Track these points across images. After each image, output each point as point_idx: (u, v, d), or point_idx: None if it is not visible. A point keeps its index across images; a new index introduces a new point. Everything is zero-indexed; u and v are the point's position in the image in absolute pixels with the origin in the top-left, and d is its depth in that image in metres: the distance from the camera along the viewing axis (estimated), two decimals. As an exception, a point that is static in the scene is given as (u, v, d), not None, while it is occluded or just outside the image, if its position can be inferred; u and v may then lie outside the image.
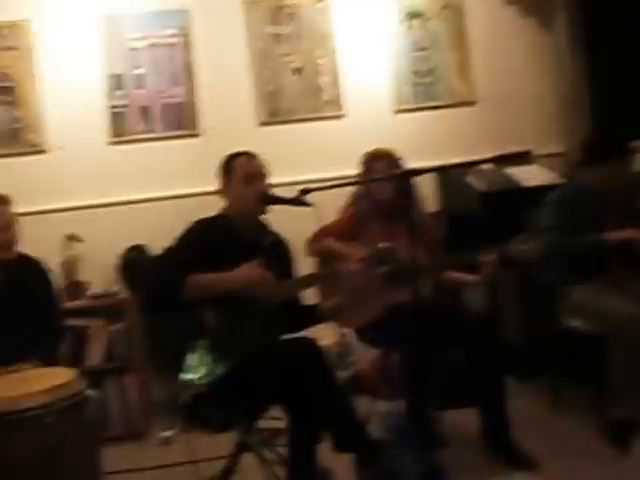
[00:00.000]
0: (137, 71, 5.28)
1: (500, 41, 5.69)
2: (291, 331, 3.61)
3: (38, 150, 5.19)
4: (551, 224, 4.08)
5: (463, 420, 4.13)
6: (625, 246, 3.95)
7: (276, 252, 3.63)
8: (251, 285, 3.27)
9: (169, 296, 3.23)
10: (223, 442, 3.70)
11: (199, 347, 3.28)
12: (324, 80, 5.45)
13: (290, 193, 3.48)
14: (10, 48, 5.16)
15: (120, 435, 4.66)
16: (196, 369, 3.23)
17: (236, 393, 3.27)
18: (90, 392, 3.16)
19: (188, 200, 5.14)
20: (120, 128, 5.26)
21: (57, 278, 4.35)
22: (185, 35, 5.30)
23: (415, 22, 5.55)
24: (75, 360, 4.50)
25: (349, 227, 4.04)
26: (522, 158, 2.86)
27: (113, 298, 4.83)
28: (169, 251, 3.42)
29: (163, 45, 5.30)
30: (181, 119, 5.32)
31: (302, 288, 3.71)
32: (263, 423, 3.62)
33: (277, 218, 3.67)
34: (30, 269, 3.76)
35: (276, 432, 3.99)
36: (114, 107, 5.26)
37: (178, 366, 3.25)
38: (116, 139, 5.26)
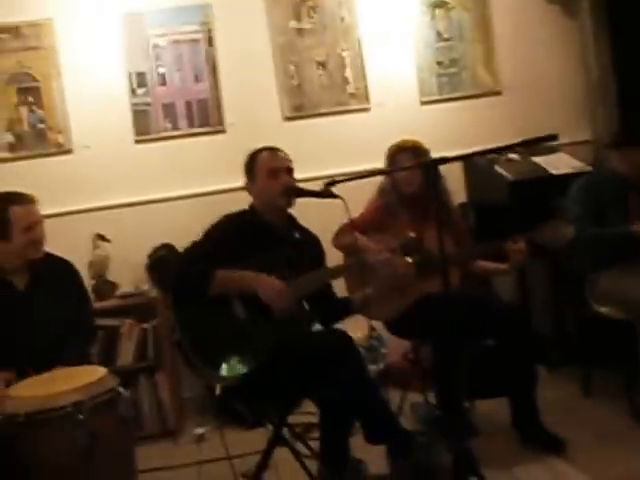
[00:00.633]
0: (160, 68, 5.25)
1: (524, 29, 5.63)
2: (324, 324, 3.67)
3: (64, 150, 5.18)
4: (578, 212, 4.09)
5: (494, 409, 4.18)
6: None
7: (304, 245, 3.65)
8: (266, 297, 3.30)
9: (197, 290, 3.28)
10: (256, 438, 3.79)
11: (230, 341, 3.29)
12: (349, 73, 5.41)
13: (317, 188, 3.48)
14: (32, 48, 5.14)
15: (153, 434, 4.69)
16: (228, 363, 3.23)
17: (268, 386, 3.30)
18: (122, 390, 3.14)
19: (215, 197, 5.12)
20: (145, 126, 5.24)
21: (86, 278, 4.35)
22: (207, 30, 5.27)
23: (439, 12, 5.50)
24: (106, 360, 4.50)
25: (376, 219, 4.04)
26: (549, 141, 2.82)
27: (143, 297, 4.85)
28: (196, 246, 3.44)
29: (185, 41, 5.27)
30: (206, 115, 5.29)
31: (330, 279, 3.73)
32: (296, 418, 3.68)
33: (305, 211, 3.68)
34: (58, 269, 3.74)
35: (309, 426, 4.04)
36: (138, 105, 5.23)
37: (210, 361, 3.25)
38: (141, 137, 5.24)
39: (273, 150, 3.62)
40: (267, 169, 3.54)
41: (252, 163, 3.60)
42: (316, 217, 3.84)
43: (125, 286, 4.96)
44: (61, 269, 3.77)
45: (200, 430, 4.58)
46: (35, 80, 5.16)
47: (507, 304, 4.69)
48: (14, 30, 5.12)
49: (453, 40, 5.52)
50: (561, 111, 5.61)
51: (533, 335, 3.93)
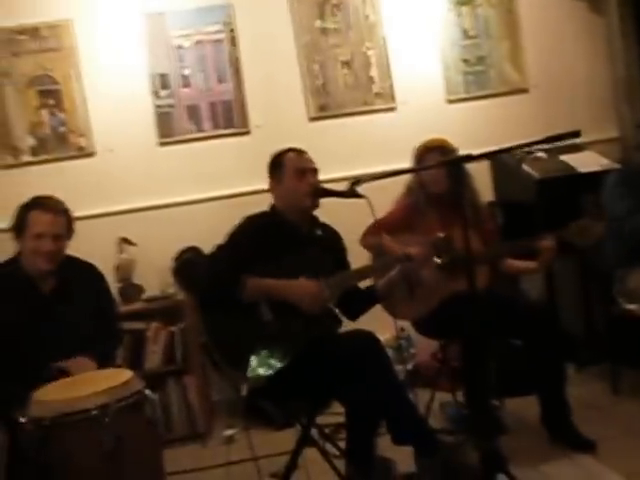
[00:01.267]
0: (183, 69, 5.21)
1: (551, 25, 5.57)
2: (350, 316, 3.68)
3: (87, 153, 5.15)
4: (620, 208, 4.07)
5: (523, 407, 4.17)
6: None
7: (328, 244, 3.66)
8: (303, 303, 3.30)
9: (225, 296, 3.26)
10: (285, 439, 3.79)
11: (257, 342, 3.27)
12: (374, 72, 5.35)
13: (342, 188, 3.48)
14: (53, 49, 5.11)
15: (182, 436, 4.70)
16: (255, 364, 3.22)
17: (295, 387, 3.30)
18: (149, 392, 3.11)
19: (241, 199, 5.07)
20: (168, 128, 5.20)
21: (112, 282, 4.31)
22: (230, 31, 5.22)
23: (465, 9, 5.43)
24: (134, 363, 4.49)
25: (404, 219, 4.02)
26: (572, 138, 2.78)
27: (169, 300, 4.83)
28: (222, 249, 3.43)
29: (208, 42, 5.22)
30: (230, 117, 5.24)
31: (357, 280, 3.71)
32: (325, 418, 3.72)
33: (331, 212, 3.66)
34: (83, 273, 3.71)
35: (338, 427, 4.02)
36: (161, 107, 5.19)
37: (238, 362, 3.25)
38: (165, 140, 5.20)
39: (298, 151, 3.62)
40: (294, 169, 3.54)
41: (278, 163, 3.60)
42: (342, 217, 3.83)
43: (151, 289, 4.94)
44: (86, 273, 3.75)
45: (229, 432, 4.57)
46: (56, 82, 5.13)
47: (535, 303, 4.69)
48: (33, 31, 5.09)
49: (479, 37, 5.46)
50: (588, 108, 5.55)
51: (561, 334, 3.91)
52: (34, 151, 5.12)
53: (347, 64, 5.33)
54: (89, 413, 2.84)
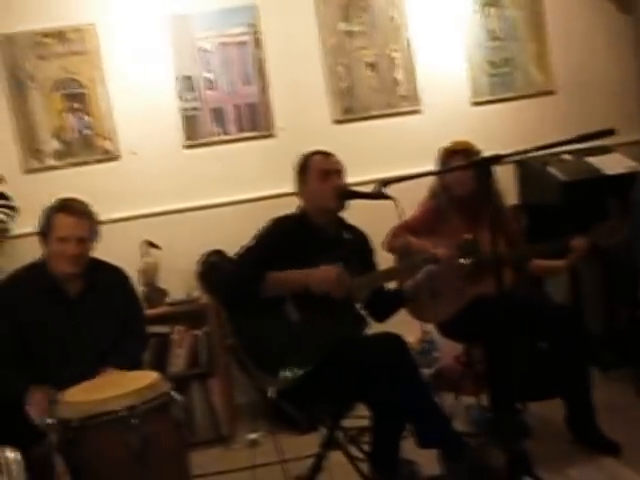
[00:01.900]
0: (208, 72, 5.20)
1: (578, 26, 5.53)
2: (378, 318, 3.68)
3: (111, 157, 5.16)
4: None
5: (547, 410, 4.17)
6: None
7: (356, 246, 3.66)
8: (327, 287, 3.29)
9: (249, 294, 3.28)
10: (310, 442, 3.80)
11: (284, 343, 3.30)
12: (399, 74, 5.33)
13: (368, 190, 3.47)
14: (77, 53, 5.12)
15: (206, 440, 4.70)
16: (283, 366, 3.23)
17: (321, 389, 3.31)
18: (175, 394, 3.12)
19: (266, 202, 5.07)
20: (193, 131, 5.20)
21: (136, 285, 4.31)
22: (255, 33, 5.20)
23: (491, 10, 5.40)
24: (158, 367, 4.46)
25: (427, 222, 4.01)
26: (606, 136, 2.75)
27: (194, 304, 4.83)
28: (248, 251, 3.44)
29: (233, 44, 5.21)
30: (255, 120, 5.23)
31: (384, 281, 3.73)
32: (349, 422, 3.66)
33: (357, 214, 3.67)
34: (110, 276, 3.73)
35: (363, 430, 4.00)
36: (186, 110, 5.19)
37: (264, 364, 3.27)
38: (190, 142, 5.20)
39: (324, 153, 3.63)
40: (319, 171, 3.55)
41: (304, 166, 3.61)
42: (368, 219, 3.83)
43: (175, 293, 4.94)
44: (113, 276, 3.76)
45: (253, 435, 4.58)
46: (81, 86, 5.13)
47: (560, 305, 4.64)
48: (59, 35, 5.09)
49: (505, 39, 5.43)
50: (615, 110, 5.50)
51: (586, 336, 3.90)
52: (59, 155, 5.13)
53: (372, 66, 5.31)
54: (116, 414, 2.86)
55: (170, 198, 5.17)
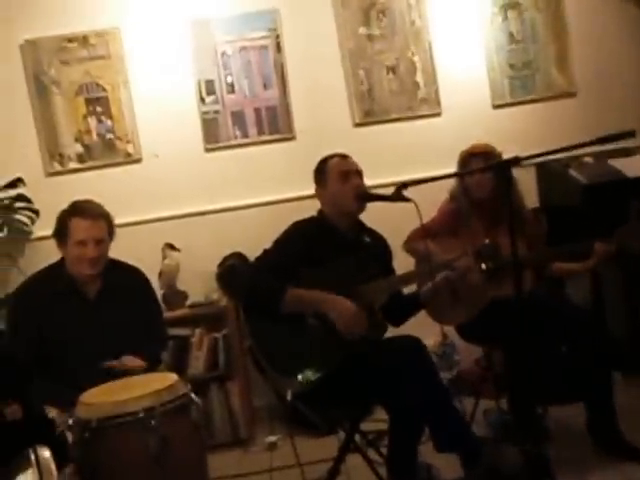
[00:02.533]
0: (228, 76, 5.23)
1: (599, 27, 5.48)
2: (394, 322, 3.68)
3: (133, 160, 5.20)
4: None
5: (568, 414, 4.13)
6: None
7: (375, 249, 3.66)
8: (338, 322, 3.26)
9: (269, 305, 3.28)
10: (328, 445, 3.85)
11: (303, 347, 3.28)
12: (419, 77, 5.32)
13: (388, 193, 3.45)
14: (100, 57, 5.17)
15: (225, 442, 4.69)
16: (300, 369, 3.22)
17: (340, 393, 3.29)
18: (194, 396, 3.13)
19: (286, 205, 5.09)
20: (214, 134, 5.22)
21: (156, 288, 4.33)
22: (275, 37, 5.22)
23: (511, 13, 5.38)
24: (177, 369, 4.42)
25: (447, 225, 4.00)
26: (627, 138, 2.73)
27: (213, 306, 4.82)
28: (268, 255, 3.45)
29: (253, 48, 5.23)
30: (275, 123, 5.25)
31: (402, 286, 3.72)
32: (367, 425, 3.70)
33: (376, 216, 3.66)
34: (129, 278, 3.75)
35: (381, 433, 4.01)
36: (207, 113, 5.21)
37: (283, 367, 3.26)
38: (211, 146, 5.22)
39: (343, 155, 3.64)
40: (338, 172, 3.55)
41: (322, 168, 3.62)
42: (387, 221, 3.83)
43: (195, 295, 4.94)
44: (132, 278, 3.79)
45: (272, 438, 4.58)
46: (104, 90, 5.18)
47: (582, 308, 4.58)
48: (82, 40, 5.14)
49: (526, 42, 5.40)
50: (637, 112, 5.42)
51: (608, 340, 3.84)
52: (81, 158, 5.18)
53: (392, 69, 5.30)
54: (136, 416, 2.87)
55: (191, 201, 5.20)
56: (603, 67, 5.49)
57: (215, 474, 3.63)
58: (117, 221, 3.73)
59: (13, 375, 3.08)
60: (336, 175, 3.54)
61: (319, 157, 3.67)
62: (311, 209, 3.64)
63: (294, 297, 3.27)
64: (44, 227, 4.59)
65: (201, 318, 4.81)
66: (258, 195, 5.21)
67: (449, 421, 3.32)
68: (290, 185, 5.11)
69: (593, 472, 3.54)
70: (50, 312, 3.50)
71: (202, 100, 5.22)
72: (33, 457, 2.63)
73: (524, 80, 5.42)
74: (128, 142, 5.19)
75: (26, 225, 4.85)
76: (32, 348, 3.46)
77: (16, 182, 4.89)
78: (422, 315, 3.78)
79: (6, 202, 4.85)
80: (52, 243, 3.63)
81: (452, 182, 4.06)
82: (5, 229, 4.81)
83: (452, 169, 4.03)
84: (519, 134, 5.26)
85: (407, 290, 3.77)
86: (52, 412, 3.14)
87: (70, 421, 2.93)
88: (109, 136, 5.19)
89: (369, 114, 5.32)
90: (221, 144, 5.23)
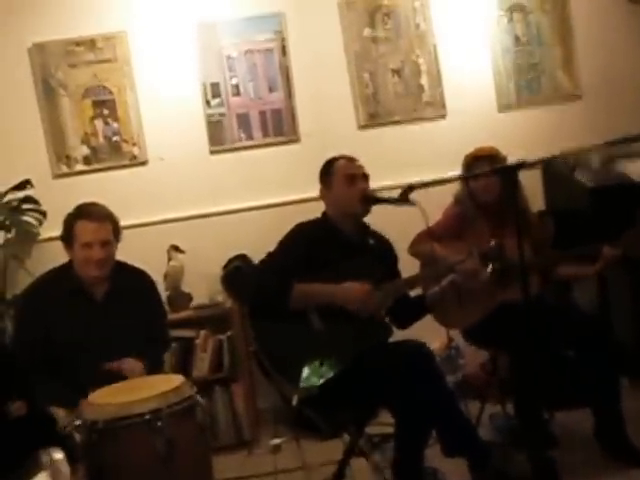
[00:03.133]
0: (234, 78, 5.24)
1: (605, 30, 5.46)
2: (400, 325, 3.69)
3: (139, 162, 5.21)
4: None
5: (575, 420, 4.13)
6: None
7: (380, 252, 3.67)
8: (353, 307, 3.30)
9: (275, 305, 3.29)
10: (332, 448, 3.79)
11: (308, 351, 3.27)
12: (424, 80, 5.33)
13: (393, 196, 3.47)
14: (107, 60, 5.19)
15: (229, 444, 4.70)
16: (306, 373, 3.21)
17: (345, 396, 3.30)
18: (200, 398, 3.14)
19: (290, 207, 5.09)
20: (219, 137, 5.23)
21: (161, 290, 4.34)
22: (281, 40, 5.24)
23: (516, 16, 5.37)
24: (183, 371, 4.45)
25: (453, 228, 3.99)
26: (638, 141, 2.75)
27: (218, 308, 4.84)
28: (272, 257, 3.46)
29: (259, 51, 5.24)
30: (280, 125, 5.26)
31: (407, 289, 3.72)
32: (373, 429, 3.71)
33: (382, 219, 3.68)
34: (135, 280, 3.77)
35: (386, 437, 3.99)
36: (212, 116, 5.23)
37: (288, 371, 3.25)
38: (216, 148, 5.24)
39: (349, 157, 3.65)
40: (344, 175, 3.56)
41: (328, 170, 3.63)
42: (392, 224, 3.82)
43: (200, 297, 4.95)
44: (139, 280, 3.81)
45: (276, 441, 4.55)
46: (110, 93, 5.20)
47: (589, 313, 4.59)
48: (89, 43, 5.16)
49: (531, 44, 5.39)
50: (644, 115, 5.44)
51: (614, 344, 3.84)
52: (88, 160, 5.20)
53: (397, 72, 5.31)
54: (142, 417, 2.88)
55: (196, 203, 5.21)
56: (609, 69, 5.47)
57: (219, 476, 3.61)
58: (122, 223, 3.75)
59: (17, 374, 3.09)
60: (342, 178, 3.55)
61: (324, 160, 3.69)
62: (316, 212, 3.65)
63: (301, 292, 3.30)
64: (51, 229, 4.59)
65: (206, 320, 4.82)
66: (263, 197, 5.22)
67: (457, 425, 3.35)
68: (295, 188, 5.12)
69: (600, 477, 3.54)
70: (58, 313, 3.51)
71: (207, 103, 5.23)
72: (46, 460, 2.66)
73: (530, 83, 5.41)
74: (134, 144, 5.20)
75: (33, 227, 4.87)
76: (39, 349, 3.47)
77: (24, 184, 4.91)
78: (427, 318, 3.78)
79: (14, 204, 4.89)
80: (59, 244, 3.65)
81: (457, 185, 4.06)
82: (13, 231, 4.85)
83: (457, 172, 4.06)
84: (525, 137, 5.26)
85: (413, 293, 3.78)
86: (59, 412, 3.17)
87: (77, 422, 2.94)
88: (115, 138, 5.21)
89: (374, 117, 5.32)
90: (226, 147, 5.24)
